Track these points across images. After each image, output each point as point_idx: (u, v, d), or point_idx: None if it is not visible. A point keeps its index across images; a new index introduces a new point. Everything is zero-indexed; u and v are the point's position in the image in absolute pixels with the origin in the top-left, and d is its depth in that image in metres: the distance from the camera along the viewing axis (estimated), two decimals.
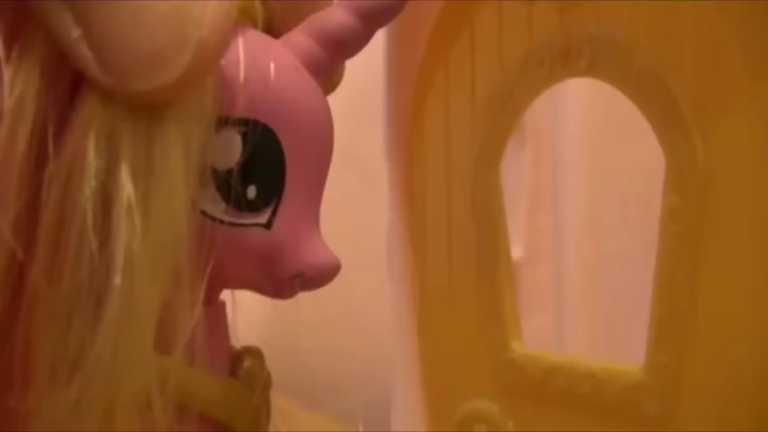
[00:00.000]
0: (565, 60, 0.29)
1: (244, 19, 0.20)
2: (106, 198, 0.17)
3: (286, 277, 0.20)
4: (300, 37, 0.21)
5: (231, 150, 0.19)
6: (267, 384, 0.22)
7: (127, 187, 0.17)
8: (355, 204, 0.56)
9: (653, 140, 0.27)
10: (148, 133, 0.17)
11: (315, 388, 0.57)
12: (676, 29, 0.26)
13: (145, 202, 0.17)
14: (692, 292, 0.25)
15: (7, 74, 0.17)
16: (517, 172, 0.41)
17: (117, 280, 0.16)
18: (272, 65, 0.20)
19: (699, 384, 0.25)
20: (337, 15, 0.21)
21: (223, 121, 0.19)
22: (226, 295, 0.22)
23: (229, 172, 0.19)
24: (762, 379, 0.24)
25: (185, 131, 0.18)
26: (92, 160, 0.17)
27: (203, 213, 0.19)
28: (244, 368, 0.22)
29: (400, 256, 0.37)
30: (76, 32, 0.17)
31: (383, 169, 0.38)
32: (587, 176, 0.38)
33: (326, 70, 0.21)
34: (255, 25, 0.21)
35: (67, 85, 0.18)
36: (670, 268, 0.26)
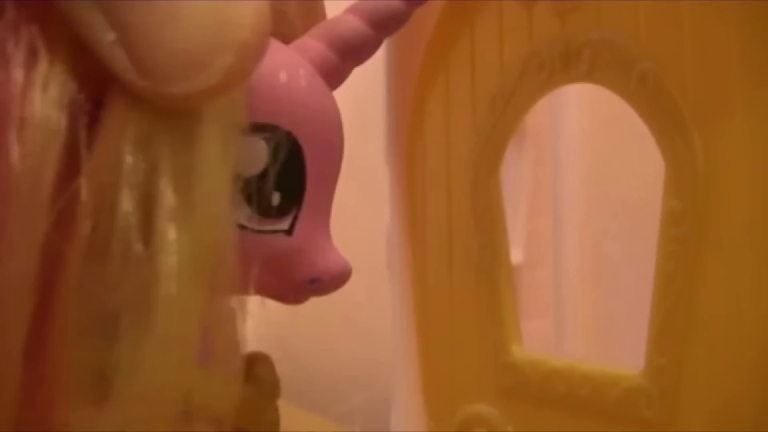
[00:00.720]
0: (565, 64, 0.29)
1: None
2: (146, 205, 0.16)
3: (303, 282, 0.20)
4: (314, 43, 0.21)
5: (256, 156, 0.19)
6: (277, 390, 0.22)
7: (169, 195, 0.16)
8: (354, 206, 0.56)
9: (652, 144, 0.27)
10: (188, 139, 0.17)
11: (314, 390, 0.57)
12: (676, 34, 0.26)
13: (189, 210, 0.17)
14: (691, 295, 0.25)
15: (34, 76, 0.16)
16: (517, 176, 0.41)
17: (163, 290, 0.16)
18: (292, 72, 0.20)
19: (698, 387, 0.25)
20: (349, 21, 0.21)
21: (249, 127, 0.19)
22: None
23: (254, 178, 0.19)
24: (760, 383, 0.24)
25: (223, 136, 0.17)
26: (129, 166, 0.16)
27: None
28: (255, 374, 0.22)
29: (400, 259, 0.37)
30: (110, 35, 0.16)
31: (383, 172, 0.38)
32: (587, 180, 0.38)
33: (339, 76, 0.21)
34: None
35: (94, 88, 0.17)
36: (670, 272, 0.26)
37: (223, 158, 0.17)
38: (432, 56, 0.36)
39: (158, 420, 0.16)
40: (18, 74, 0.16)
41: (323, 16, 0.23)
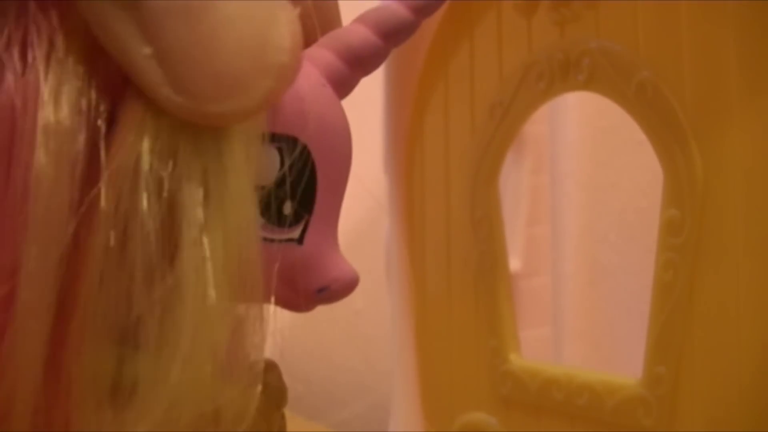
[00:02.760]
0: (564, 73, 0.29)
1: None
2: (171, 213, 0.16)
3: (312, 291, 0.20)
4: (324, 53, 0.21)
5: (270, 166, 0.19)
6: (284, 397, 0.22)
7: (196, 204, 0.16)
8: (353, 214, 0.56)
9: (650, 152, 0.27)
10: (214, 147, 0.17)
11: (313, 397, 0.57)
12: (674, 44, 0.26)
13: (217, 218, 0.17)
14: (690, 304, 0.26)
15: (50, 83, 0.16)
16: (516, 184, 0.41)
17: (190, 300, 0.16)
18: (307, 82, 0.20)
19: (695, 395, 0.25)
20: (359, 32, 0.21)
21: (263, 137, 0.19)
22: None
23: (267, 187, 0.19)
24: (758, 391, 0.24)
25: (247, 146, 0.18)
26: (146, 172, 0.16)
27: None
28: (263, 382, 0.22)
29: (399, 267, 0.37)
30: (147, 49, 0.16)
31: (383, 180, 0.38)
32: (585, 188, 0.38)
33: (348, 86, 0.21)
34: None
35: (112, 94, 0.17)
36: (668, 281, 0.26)
37: (248, 166, 0.17)
38: (431, 65, 0.36)
39: (180, 429, 0.16)
40: (34, 80, 0.16)
41: (338, 22, 0.23)
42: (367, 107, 0.38)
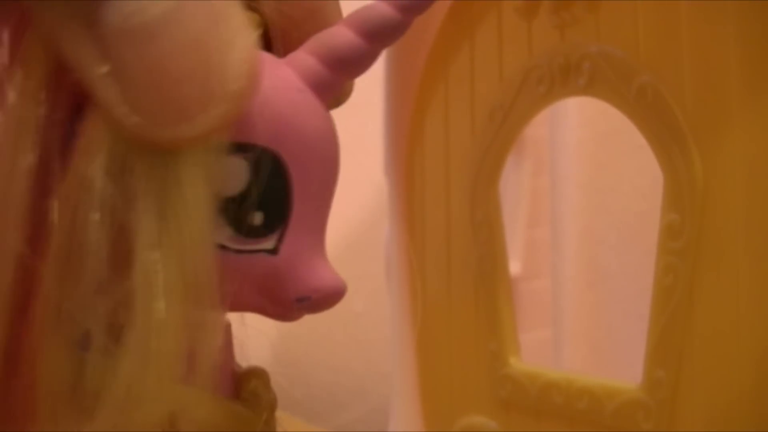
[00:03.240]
0: (564, 77, 0.29)
1: None
2: (122, 227, 0.16)
3: (292, 302, 0.20)
4: (305, 57, 0.20)
5: (237, 176, 0.19)
6: (272, 406, 0.22)
7: (145, 219, 0.16)
8: (353, 218, 0.56)
9: (650, 155, 0.27)
10: (166, 162, 0.17)
11: (313, 400, 0.57)
12: (675, 48, 0.26)
13: (165, 232, 0.17)
14: (690, 308, 0.26)
15: (10, 95, 0.16)
16: (516, 187, 0.41)
17: (139, 311, 0.16)
18: (274, 89, 0.19)
19: (695, 400, 0.25)
20: (342, 34, 0.20)
21: (229, 147, 0.18)
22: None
23: (235, 198, 0.19)
24: (758, 395, 0.24)
25: (204, 159, 0.17)
26: (100, 188, 0.16)
27: None
28: (248, 390, 0.21)
29: (399, 270, 0.37)
30: (103, 68, 0.16)
31: (383, 183, 0.38)
32: (585, 191, 0.38)
33: (332, 90, 0.21)
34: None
35: (69, 106, 0.17)
36: (668, 285, 0.26)
37: (206, 180, 0.17)
38: (432, 68, 0.36)
39: None
40: None
41: (338, 15, 0.22)
42: (367, 110, 0.38)
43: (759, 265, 0.24)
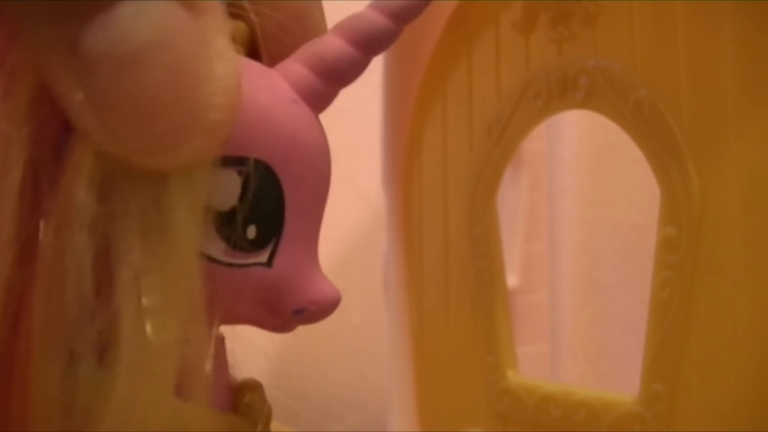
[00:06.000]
0: (562, 91, 0.30)
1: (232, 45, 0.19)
2: (107, 247, 0.16)
3: (288, 314, 0.20)
4: (296, 67, 0.20)
5: (229, 190, 0.18)
6: (267, 418, 0.22)
7: (133, 241, 0.16)
8: (351, 230, 0.56)
9: (647, 169, 0.27)
10: (154, 185, 0.17)
11: (310, 412, 0.57)
12: (672, 62, 0.26)
13: (156, 255, 0.17)
14: (686, 322, 0.26)
15: None
16: (513, 201, 0.41)
17: (125, 331, 0.16)
18: (266, 100, 0.19)
19: (692, 413, 0.25)
20: (334, 44, 0.20)
21: (221, 161, 0.18)
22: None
23: (228, 212, 0.18)
24: (755, 409, 0.24)
25: (191, 180, 0.17)
26: (86, 207, 0.16)
27: (202, 254, 0.18)
28: (244, 403, 0.21)
29: (397, 283, 0.37)
30: (79, 94, 0.16)
31: (381, 197, 0.38)
32: (582, 205, 0.39)
33: (324, 100, 0.21)
34: (244, 50, 0.20)
35: (58, 124, 0.17)
36: (665, 299, 0.26)
37: (192, 200, 0.17)
38: (430, 83, 0.36)
39: None
40: None
41: (323, 27, 0.22)
42: (365, 124, 0.38)
43: (755, 279, 0.24)
